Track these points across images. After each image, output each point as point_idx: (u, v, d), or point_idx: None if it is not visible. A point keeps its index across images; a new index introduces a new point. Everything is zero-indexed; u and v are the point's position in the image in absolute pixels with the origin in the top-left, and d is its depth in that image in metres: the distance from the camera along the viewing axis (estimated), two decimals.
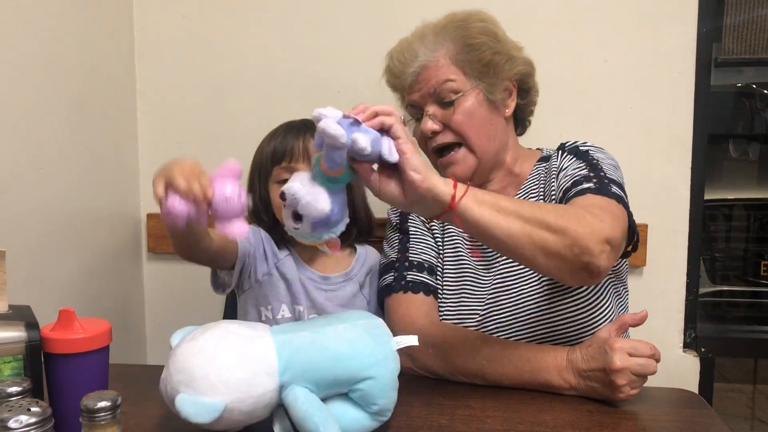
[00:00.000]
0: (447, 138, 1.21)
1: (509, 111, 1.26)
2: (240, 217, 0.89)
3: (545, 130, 1.42)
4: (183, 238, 1.05)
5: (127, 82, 1.78)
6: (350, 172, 0.90)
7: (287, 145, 1.23)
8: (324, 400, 0.88)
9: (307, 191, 0.88)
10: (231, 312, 1.71)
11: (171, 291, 1.87)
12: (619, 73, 1.66)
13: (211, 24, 1.78)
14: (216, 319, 1.79)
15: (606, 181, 1.12)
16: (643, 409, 1.01)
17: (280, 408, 0.88)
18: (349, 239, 1.32)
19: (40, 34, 1.39)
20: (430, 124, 1.20)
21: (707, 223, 2.68)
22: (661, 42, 1.64)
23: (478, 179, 1.25)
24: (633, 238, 1.14)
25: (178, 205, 0.85)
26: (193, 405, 0.80)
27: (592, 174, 1.14)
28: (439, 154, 1.24)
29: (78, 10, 1.53)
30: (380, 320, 0.95)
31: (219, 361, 0.83)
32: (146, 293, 1.88)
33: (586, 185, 1.11)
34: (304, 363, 0.86)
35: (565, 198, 1.14)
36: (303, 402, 0.84)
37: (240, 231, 0.89)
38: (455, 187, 0.92)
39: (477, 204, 0.92)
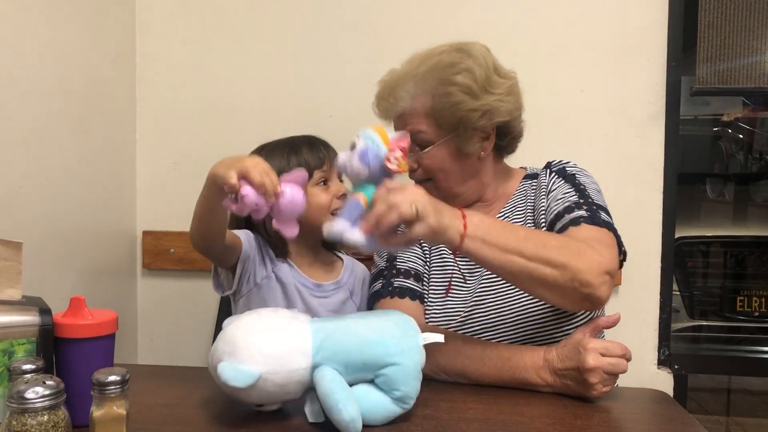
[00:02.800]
0: (420, 176, 1.31)
1: (485, 153, 1.32)
2: (296, 219, 1.02)
3: (525, 155, 1.50)
4: (208, 228, 1.15)
5: (127, 105, 1.86)
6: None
7: (318, 154, 1.33)
8: (352, 385, 0.96)
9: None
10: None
11: (163, 307, 1.91)
12: (594, 102, 1.77)
13: (209, 51, 1.88)
14: (207, 334, 1.85)
15: (594, 207, 1.22)
16: (615, 404, 1.08)
17: (312, 392, 0.97)
18: (334, 248, 1.41)
19: (50, 57, 1.48)
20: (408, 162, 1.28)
21: (685, 259, 2.77)
22: (633, 73, 1.76)
23: (453, 205, 1.33)
24: (620, 255, 1.23)
25: (251, 195, 0.95)
26: (231, 371, 0.91)
27: (581, 200, 1.24)
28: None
29: (84, 36, 1.62)
30: (411, 318, 1.03)
31: (259, 335, 0.94)
32: (139, 308, 1.93)
33: (578, 213, 1.20)
34: (335, 346, 0.96)
35: (558, 222, 1.22)
36: (329, 381, 0.93)
37: (293, 232, 1.02)
38: (463, 237, 1.02)
39: (482, 246, 1.04)
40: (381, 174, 1.02)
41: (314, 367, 0.95)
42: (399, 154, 1.01)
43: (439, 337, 1.01)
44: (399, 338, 0.98)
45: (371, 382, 0.97)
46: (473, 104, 1.24)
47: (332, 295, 1.36)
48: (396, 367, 0.96)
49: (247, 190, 0.95)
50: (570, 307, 1.14)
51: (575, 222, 1.19)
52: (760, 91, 1.72)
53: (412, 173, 1.31)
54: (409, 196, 0.98)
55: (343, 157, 1.02)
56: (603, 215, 1.21)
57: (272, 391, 0.94)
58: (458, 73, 1.25)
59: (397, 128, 1.30)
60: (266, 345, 0.93)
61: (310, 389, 0.97)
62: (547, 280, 1.05)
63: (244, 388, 0.91)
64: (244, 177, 0.96)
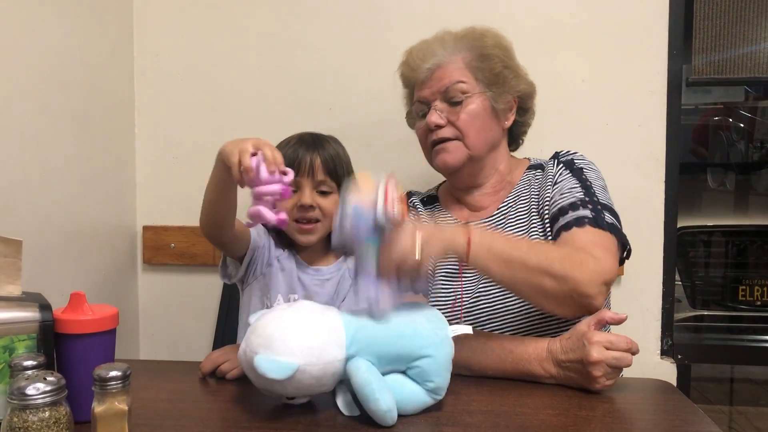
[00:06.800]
0: (447, 133, 1.32)
1: (508, 123, 1.38)
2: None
3: (526, 145, 1.50)
4: (218, 213, 1.18)
5: (126, 100, 1.85)
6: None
7: (297, 157, 1.30)
8: (384, 375, 0.96)
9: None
10: (224, 323, 1.76)
11: (164, 302, 1.91)
12: (595, 92, 1.76)
13: (208, 44, 1.86)
14: (209, 329, 1.85)
15: (599, 207, 1.23)
16: (618, 394, 1.07)
17: (342, 383, 0.97)
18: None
19: (47, 52, 1.46)
20: (435, 117, 1.31)
21: (687, 249, 2.77)
22: (634, 63, 1.74)
23: (468, 178, 1.36)
24: (623, 252, 1.27)
25: (260, 168, 1.01)
26: (270, 363, 0.89)
27: (587, 198, 1.25)
28: (433, 143, 1.34)
29: (81, 30, 1.60)
30: (438, 311, 1.05)
31: (296, 327, 0.93)
32: (140, 303, 1.92)
33: (583, 212, 1.22)
34: (368, 338, 0.96)
35: (562, 217, 1.24)
36: (364, 371, 0.93)
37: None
38: (469, 245, 1.06)
39: (488, 256, 1.07)
40: (377, 230, 0.99)
41: (347, 359, 0.95)
42: (394, 208, 0.97)
43: (468, 329, 1.02)
44: (430, 330, 0.98)
45: (402, 372, 0.98)
46: (508, 62, 1.35)
47: (332, 278, 1.37)
48: (429, 359, 0.96)
49: (255, 162, 1.00)
50: (565, 315, 1.16)
51: (580, 222, 1.21)
52: (755, 80, 1.75)
53: (438, 130, 1.32)
54: (408, 241, 1.00)
55: (335, 232, 1.02)
56: (607, 216, 1.22)
57: (308, 383, 0.93)
58: (492, 37, 1.35)
59: (431, 86, 1.32)
60: (303, 337, 0.92)
61: (340, 381, 0.97)
62: (547, 291, 1.08)
63: (281, 380, 0.89)
64: (255, 150, 1.01)
